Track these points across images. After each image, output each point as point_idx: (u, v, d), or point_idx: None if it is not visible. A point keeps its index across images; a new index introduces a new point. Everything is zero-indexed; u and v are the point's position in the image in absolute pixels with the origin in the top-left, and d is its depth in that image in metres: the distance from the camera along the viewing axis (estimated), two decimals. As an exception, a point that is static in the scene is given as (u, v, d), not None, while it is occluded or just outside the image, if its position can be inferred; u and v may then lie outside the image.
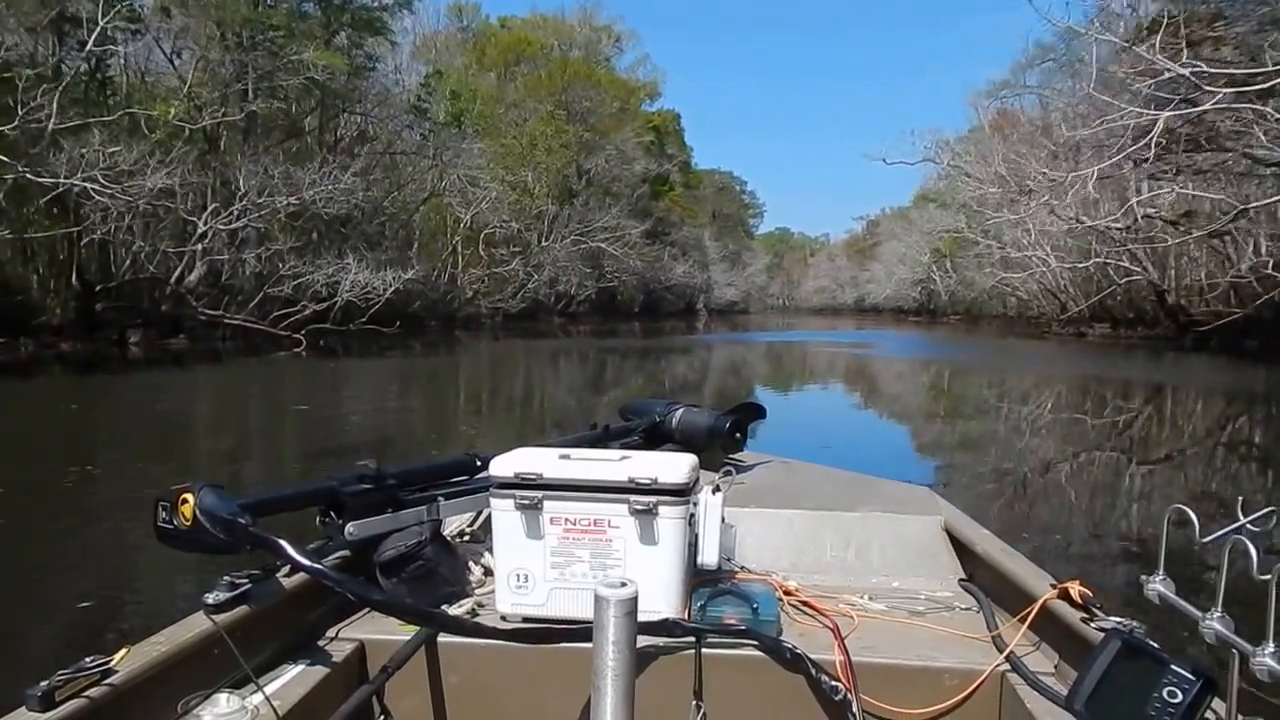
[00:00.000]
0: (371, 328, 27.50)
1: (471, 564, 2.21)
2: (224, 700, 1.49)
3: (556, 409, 14.14)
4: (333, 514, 1.99)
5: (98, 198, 17.69)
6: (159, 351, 22.85)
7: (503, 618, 1.93)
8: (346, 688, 1.76)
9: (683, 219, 72.16)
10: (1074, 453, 10.37)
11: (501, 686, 1.84)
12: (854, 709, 1.67)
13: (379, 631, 1.88)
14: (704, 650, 1.78)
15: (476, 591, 2.12)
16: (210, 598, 1.64)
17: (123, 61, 25.46)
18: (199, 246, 24.16)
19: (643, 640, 1.70)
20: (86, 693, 1.33)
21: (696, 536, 1.95)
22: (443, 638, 1.84)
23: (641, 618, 1.36)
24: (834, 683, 1.70)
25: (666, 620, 1.78)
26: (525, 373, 21.70)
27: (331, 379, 18.52)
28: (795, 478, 2.89)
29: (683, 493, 1.86)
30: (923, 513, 2.43)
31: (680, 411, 2.94)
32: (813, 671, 1.71)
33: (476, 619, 1.92)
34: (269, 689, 1.56)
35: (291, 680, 1.69)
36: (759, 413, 3.15)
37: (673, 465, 1.90)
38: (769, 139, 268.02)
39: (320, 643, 1.85)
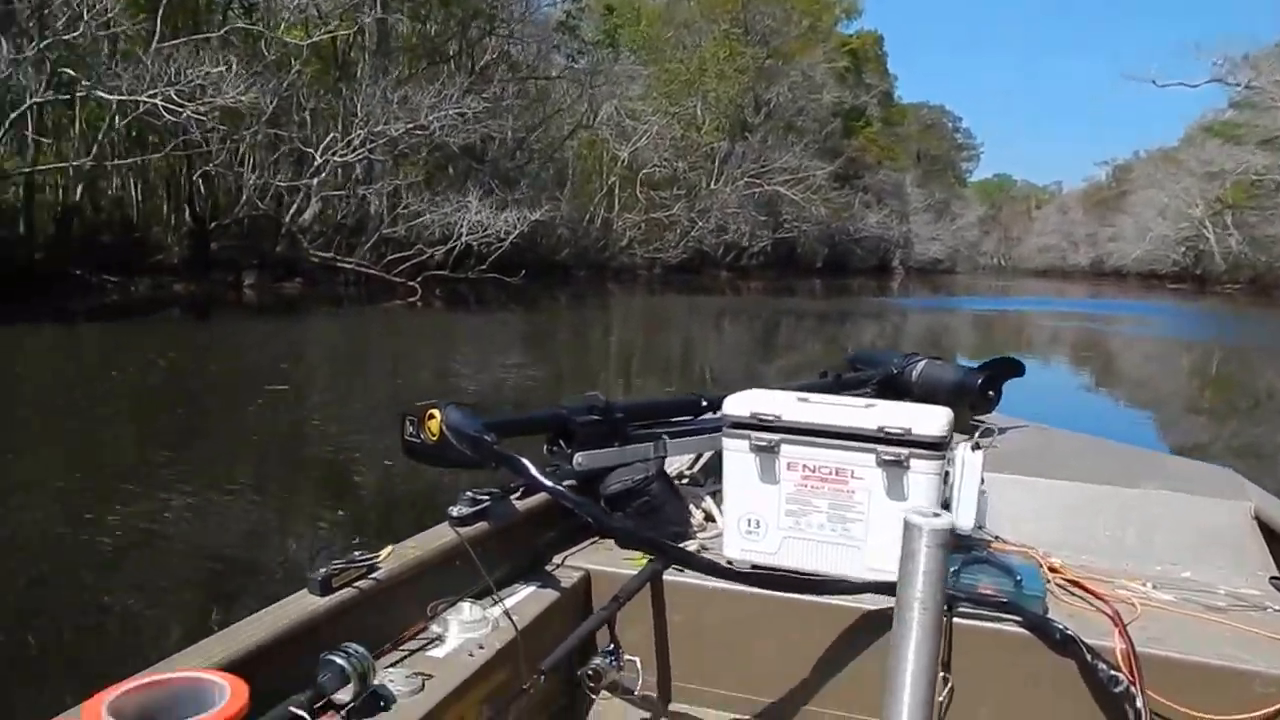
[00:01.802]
0: (493, 276, 27.41)
1: (692, 506, 2.41)
2: (467, 609, 1.82)
3: (719, 379, 13.65)
4: (562, 442, 2.20)
5: (168, 116, 18.02)
6: (272, 296, 23.62)
7: (729, 562, 2.06)
8: (574, 612, 2.02)
9: (879, 161, 69.59)
10: None
11: (726, 629, 2.02)
12: (1137, 704, 1.68)
13: (603, 563, 2.15)
14: (955, 620, 1.82)
15: (698, 535, 2.33)
16: (454, 510, 1.96)
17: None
18: (314, 181, 24.53)
19: (884, 602, 1.82)
20: (356, 583, 1.67)
21: (949, 496, 2.01)
22: (668, 575, 2.05)
23: (884, 577, 1.74)
24: (1113, 672, 1.71)
25: None
26: (684, 334, 21.26)
27: (450, 334, 18.33)
28: (1060, 446, 2.90)
29: (938, 447, 1.91)
30: (1225, 496, 2.37)
31: (922, 364, 3.05)
32: (1087, 657, 1.74)
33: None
34: (506, 604, 1.86)
35: (526, 599, 1.95)
36: (1016, 370, 3.12)
37: (928, 417, 1.95)
38: (991, 66, 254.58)
39: (548, 567, 2.12)
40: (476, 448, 1.85)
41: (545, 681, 1.72)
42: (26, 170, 20.24)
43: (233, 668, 1.34)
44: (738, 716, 2.07)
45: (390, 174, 27.55)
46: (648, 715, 2.11)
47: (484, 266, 27.54)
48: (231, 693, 1.23)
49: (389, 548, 1.82)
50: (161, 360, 12.71)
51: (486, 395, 10.70)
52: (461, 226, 26.67)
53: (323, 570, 1.65)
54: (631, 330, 22.20)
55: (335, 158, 24.73)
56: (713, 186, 46.31)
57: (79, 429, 8.42)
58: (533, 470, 1.82)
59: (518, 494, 2.18)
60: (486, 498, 2.04)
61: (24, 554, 5.16)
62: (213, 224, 24.21)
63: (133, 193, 24.78)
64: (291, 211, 25.21)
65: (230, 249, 24.39)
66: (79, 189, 21.92)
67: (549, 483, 1.85)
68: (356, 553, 1.74)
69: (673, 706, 2.12)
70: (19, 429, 8.46)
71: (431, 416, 1.90)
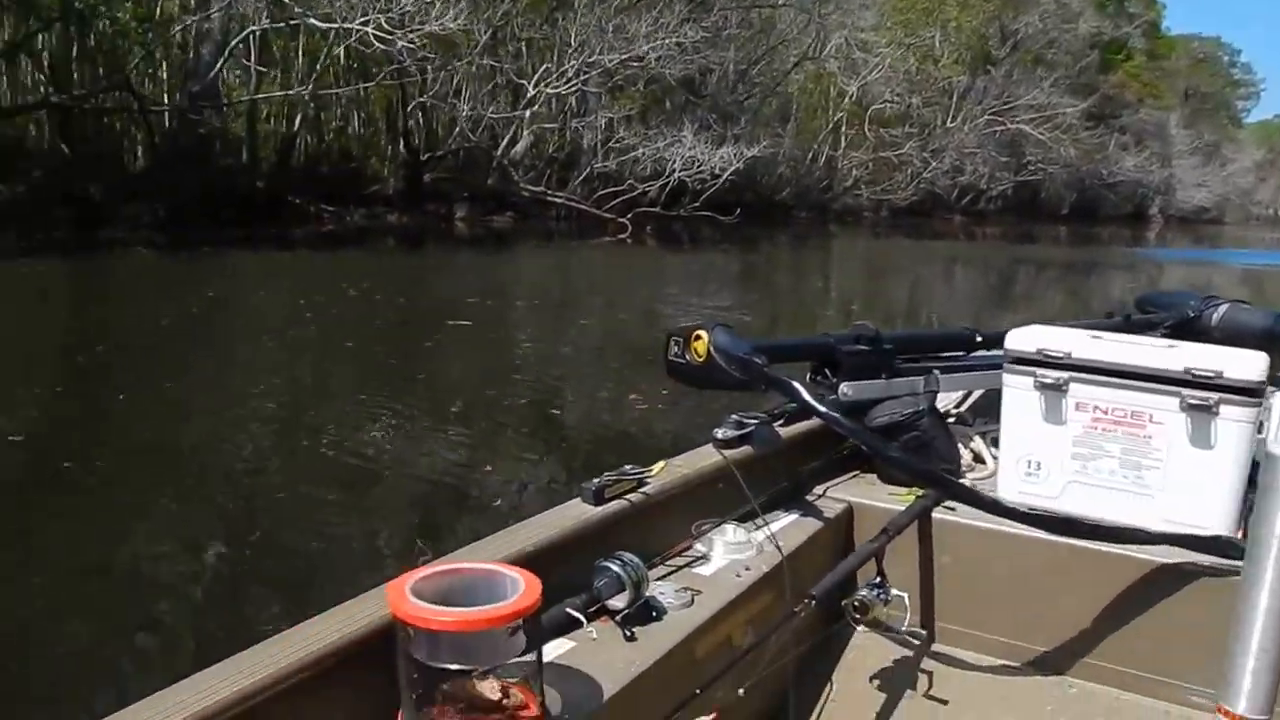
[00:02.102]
0: (707, 215, 26.68)
1: (960, 446, 2.39)
2: (731, 531, 1.90)
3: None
4: (827, 371, 2.21)
5: (378, 45, 17.96)
6: (483, 229, 23.99)
7: (1006, 504, 2.04)
8: (836, 543, 2.13)
9: (1140, 98, 64.11)
10: None
11: (1000, 573, 2.02)
12: None
13: (866, 496, 2.21)
14: None
15: (967, 475, 2.32)
16: (719, 433, 2.05)
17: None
18: (526, 113, 24.42)
19: (1178, 555, 1.83)
20: (626, 496, 1.78)
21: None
22: (938, 513, 2.08)
23: (1181, 529, 1.77)
24: None
25: (1219, 538, 1.81)
26: (911, 280, 20.34)
27: (660, 272, 18.07)
28: None
29: (1254, 393, 1.84)
30: None
31: (1223, 308, 2.87)
32: None
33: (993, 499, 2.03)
34: (770, 529, 1.92)
35: (788, 526, 2.04)
36: None
37: (1242, 360, 1.88)
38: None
39: (808, 497, 2.21)
40: (746, 369, 1.88)
41: (812, 608, 1.69)
42: (247, 99, 20.85)
43: (515, 564, 1.37)
44: (1005, 662, 2.04)
45: (604, 107, 27.08)
46: (909, 654, 2.08)
47: (697, 204, 26.86)
48: (525, 586, 1.26)
49: (661, 463, 1.92)
50: (373, 288, 13.02)
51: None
52: (674, 162, 26.04)
53: (596, 481, 1.75)
54: (853, 275, 21.41)
55: (548, 89, 24.48)
56: (949, 124, 43.77)
57: (296, 353, 8.93)
58: (805, 394, 1.83)
59: (780, 421, 2.21)
60: (753, 421, 2.09)
61: (252, 468, 5.57)
62: (426, 156, 24.54)
63: (354, 124, 25.36)
64: (504, 144, 25.19)
65: (443, 181, 24.76)
66: (298, 119, 22.49)
67: (822, 408, 1.84)
68: (628, 466, 1.83)
69: (936, 647, 2.11)
70: (242, 352, 9.01)
71: (698, 338, 1.93)
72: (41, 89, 18.89)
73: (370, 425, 6.31)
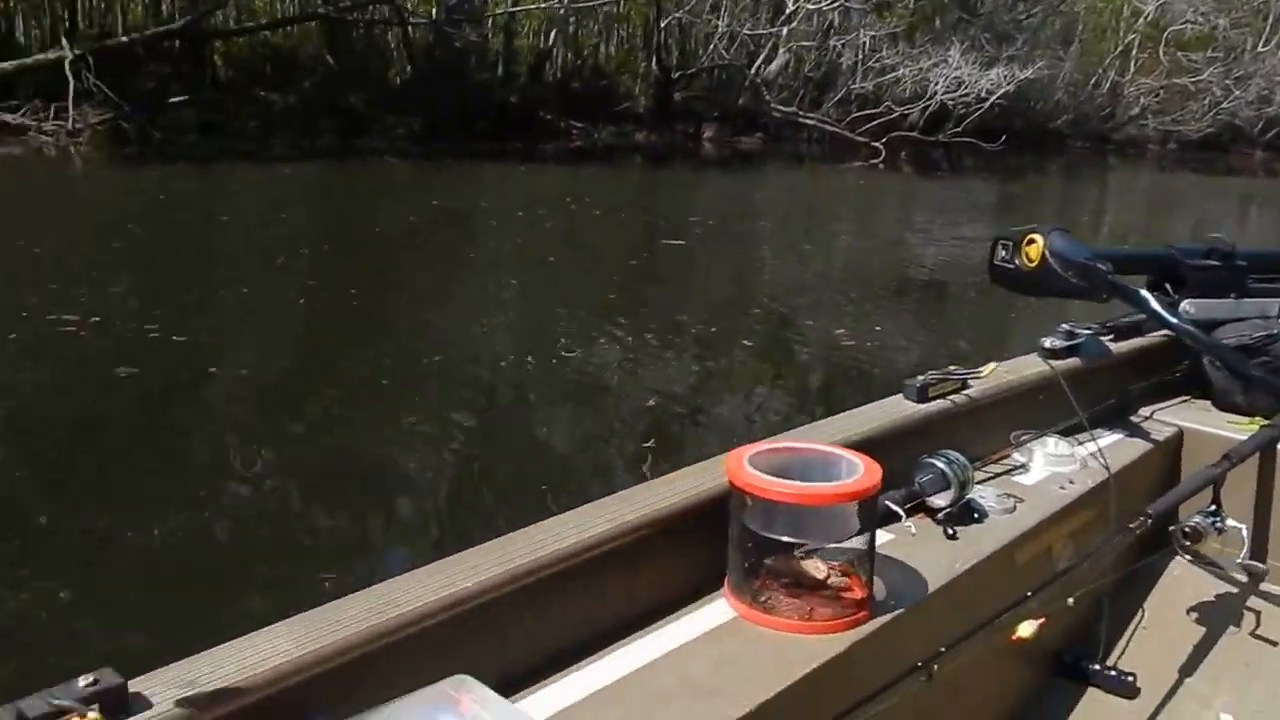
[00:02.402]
0: (968, 141, 25.34)
1: None
2: (1053, 443, 1.87)
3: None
4: (1168, 286, 2.10)
5: None
6: (730, 150, 23.85)
7: None
8: (1163, 467, 2.09)
9: None
10: None
11: None
12: None
13: (1198, 422, 2.15)
14: None
15: None
16: (1047, 342, 2.04)
17: None
18: (784, 30, 23.86)
19: None
20: (949, 396, 1.77)
21: None
22: None
23: None
24: None
25: None
26: (1194, 220, 18.75)
27: (909, 201, 17.58)
28: None
29: None
30: None
31: None
32: None
33: None
34: (1095, 445, 1.87)
35: (1114, 444, 2.01)
36: None
37: None
38: None
39: (1134, 418, 2.17)
40: (1088, 276, 1.80)
41: (1141, 529, 1.64)
42: (504, 13, 21.42)
43: None
44: None
45: (867, 25, 26.12)
46: (1235, 589, 2.02)
47: (959, 130, 25.62)
48: (865, 469, 1.27)
49: (990, 365, 1.94)
50: (594, 203, 13.42)
51: (928, 268, 10.44)
52: (938, 84, 24.90)
53: (920, 378, 1.77)
54: (1130, 209, 20.09)
55: (809, 5, 23.83)
56: (1259, 49, 39.53)
57: (531, 264, 9.31)
58: (1157, 306, 1.76)
59: (1109, 335, 2.16)
60: (1084, 333, 2.05)
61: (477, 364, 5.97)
62: (678, 74, 24.57)
63: (608, 41, 25.57)
64: (758, 62, 24.86)
65: (694, 100, 24.76)
66: (554, 35, 22.89)
67: (1174, 319, 1.79)
68: (952, 367, 1.84)
69: (1265, 585, 2.03)
70: (460, 259, 9.41)
71: (1031, 242, 1.89)
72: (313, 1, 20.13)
73: (585, 337, 6.46)
